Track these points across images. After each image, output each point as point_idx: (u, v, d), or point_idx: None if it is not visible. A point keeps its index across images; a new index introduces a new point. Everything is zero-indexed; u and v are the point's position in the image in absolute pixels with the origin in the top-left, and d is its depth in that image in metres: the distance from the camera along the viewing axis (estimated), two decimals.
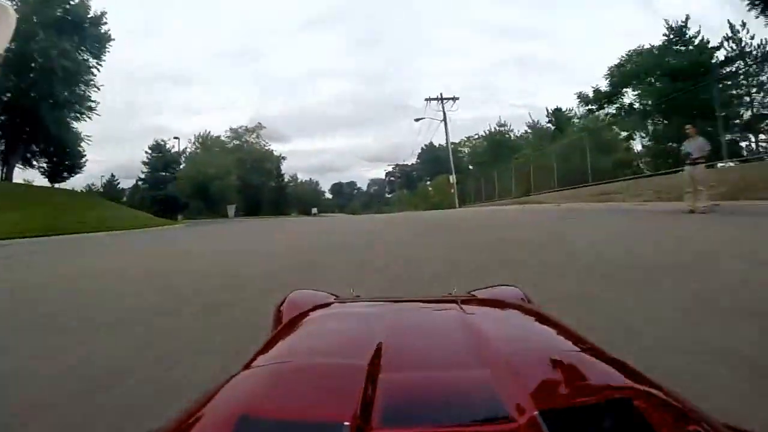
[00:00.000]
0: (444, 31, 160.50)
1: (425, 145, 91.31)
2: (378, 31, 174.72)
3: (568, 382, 0.39)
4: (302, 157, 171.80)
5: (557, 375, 0.40)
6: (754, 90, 23.94)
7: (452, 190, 39.95)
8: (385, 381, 0.39)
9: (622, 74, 32.37)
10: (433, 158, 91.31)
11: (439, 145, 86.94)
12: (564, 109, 43.36)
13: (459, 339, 0.51)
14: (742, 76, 24.86)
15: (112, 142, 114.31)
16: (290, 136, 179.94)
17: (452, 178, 41.02)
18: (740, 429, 0.36)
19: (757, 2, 23.59)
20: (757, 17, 24.37)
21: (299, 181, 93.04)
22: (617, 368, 0.41)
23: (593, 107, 36.01)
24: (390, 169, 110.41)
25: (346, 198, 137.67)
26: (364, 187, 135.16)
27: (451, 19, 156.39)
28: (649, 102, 29.14)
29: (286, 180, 62.79)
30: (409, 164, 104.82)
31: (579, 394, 0.37)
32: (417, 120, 44.64)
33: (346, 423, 0.32)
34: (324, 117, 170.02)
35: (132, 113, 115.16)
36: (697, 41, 28.97)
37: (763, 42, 25.95)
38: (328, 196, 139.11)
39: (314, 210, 78.19)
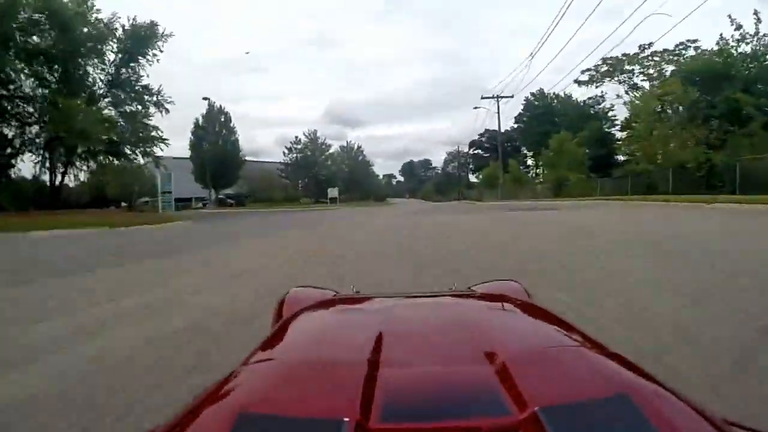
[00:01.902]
0: (523, 10, 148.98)
1: (532, 94, 58.85)
2: (455, 13, 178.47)
3: (568, 376, 0.39)
4: (380, 142, 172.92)
5: (557, 370, 0.40)
6: None
7: None
8: (385, 377, 0.38)
9: None
10: (544, 112, 58.83)
11: (555, 92, 54.86)
12: None
13: (459, 335, 0.50)
14: None
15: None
16: (368, 122, 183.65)
17: None
18: (738, 424, 0.36)
19: None
20: None
21: (322, 143, 60.96)
22: (617, 363, 0.41)
23: None
24: (475, 136, 78.03)
25: (418, 180, 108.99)
26: (441, 166, 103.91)
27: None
28: None
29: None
30: (502, 130, 73.04)
31: (579, 388, 0.36)
32: None
33: (346, 419, 0.32)
34: (402, 102, 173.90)
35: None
36: None
37: None
38: (399, 178, 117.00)
39: (332, 192, 47.93)
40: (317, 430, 0.31)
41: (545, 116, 58.37)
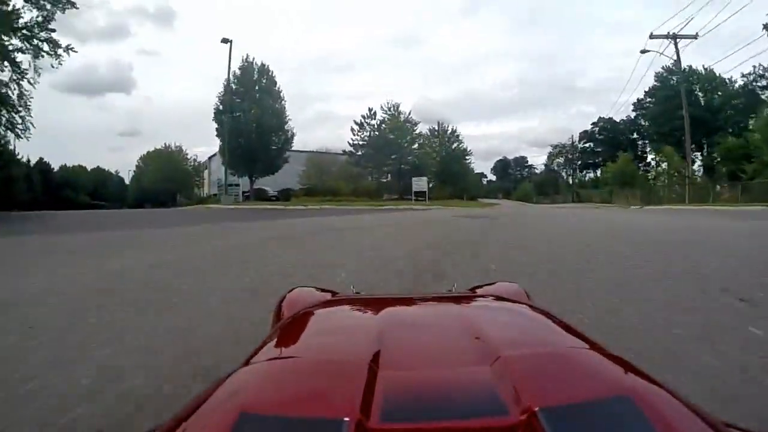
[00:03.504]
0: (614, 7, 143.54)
1: (663, 68, 46.21)
2: (543, 10, 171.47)
3: (568, 378, 0.39)
4: (467, 141, 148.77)
5: (557, 372, 0.40)
6: None
7: None
8: (385, 377, 0.39)
9: None
10: (674, 93, 46.30)
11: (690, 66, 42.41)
12: None
13: (458, 335, 0.51)
14: None
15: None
16: (455, 120, 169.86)
17: None
18: (739, 427, 0.36)
19: None
20: None
21: (406, 120, 44.07)
22: (617, 365, 0.41)
23: None
24: (589, 126, 65.75)
25: (512, 179, 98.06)
26: (539, 163, 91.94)
27: None
28: None
29: None
30: (619, 120, 60.36)
31: (578, 390, 0.36)
32: None
33: (346, 419, 0.32)
34: (488, 101, 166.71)
35: (304, 102, 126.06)
36: None
37: None
38: (491, 177, 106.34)
39: (419, 184, 35.87)
40: (318, 430, 0.32)
41: (686, 96, 46.05)
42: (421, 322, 0.59)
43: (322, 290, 0.92)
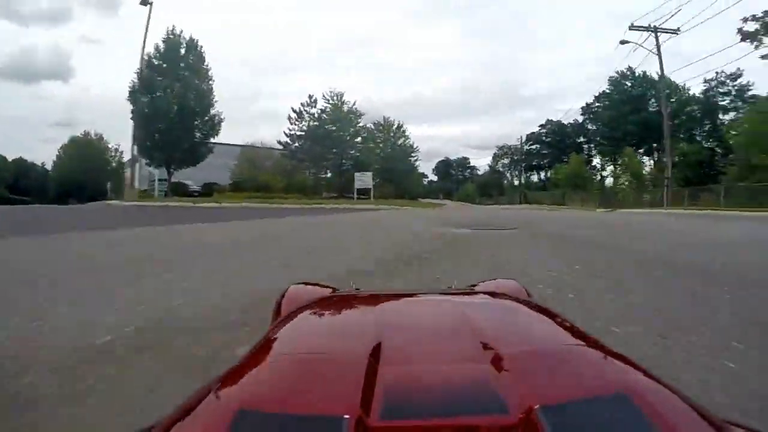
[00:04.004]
0: (557, 22, 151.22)
1: (618, 72, 44.57)
2: (490, 20, 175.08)
3: (568, 375, 0.39)
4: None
5: (556, 369, 0.40)
6: None
7: None
8: (384, 374, 0.38)
9: None
10: (640, 95, 44.92)
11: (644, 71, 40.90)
12: None
13: (458, 332, 0.51)
14: None
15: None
16: (398, 122, 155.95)
17: None
18: (739, 424, 0.36)
19: None
20: None
21: (350, 111, 39.06)
22: (617, 362, 0.41)
23: None
24: (536, 128, 63.97)
25: (454, 180, 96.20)
26: (482, 165, 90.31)
27: (563, 10, 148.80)
28: None
29: None
30: (566, 123, 58.77)
31: (578, 387, 0.36)
32: None
33: (346, 416, 0.32)
34: (431, 105, 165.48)
35: (252, 100, 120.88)
36: None
37: None
38: (432, 177, 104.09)
39: (362, 180, 32.20)
40: (318, 427, 0.32)
41: (640, 101, 44.78)
42: (421, 319, 0.59)
43: (322, 286, 0.90)
